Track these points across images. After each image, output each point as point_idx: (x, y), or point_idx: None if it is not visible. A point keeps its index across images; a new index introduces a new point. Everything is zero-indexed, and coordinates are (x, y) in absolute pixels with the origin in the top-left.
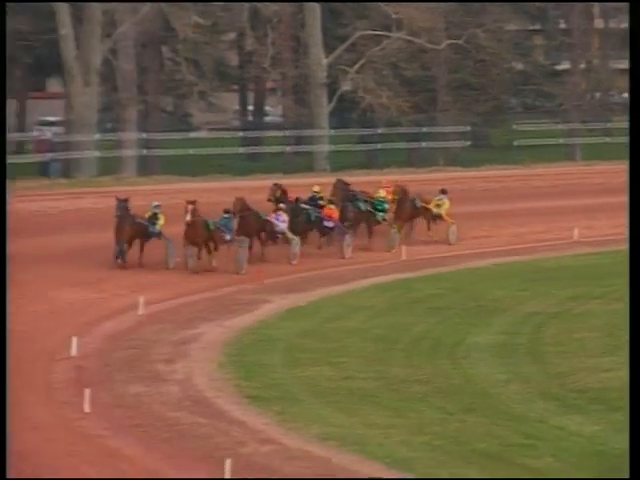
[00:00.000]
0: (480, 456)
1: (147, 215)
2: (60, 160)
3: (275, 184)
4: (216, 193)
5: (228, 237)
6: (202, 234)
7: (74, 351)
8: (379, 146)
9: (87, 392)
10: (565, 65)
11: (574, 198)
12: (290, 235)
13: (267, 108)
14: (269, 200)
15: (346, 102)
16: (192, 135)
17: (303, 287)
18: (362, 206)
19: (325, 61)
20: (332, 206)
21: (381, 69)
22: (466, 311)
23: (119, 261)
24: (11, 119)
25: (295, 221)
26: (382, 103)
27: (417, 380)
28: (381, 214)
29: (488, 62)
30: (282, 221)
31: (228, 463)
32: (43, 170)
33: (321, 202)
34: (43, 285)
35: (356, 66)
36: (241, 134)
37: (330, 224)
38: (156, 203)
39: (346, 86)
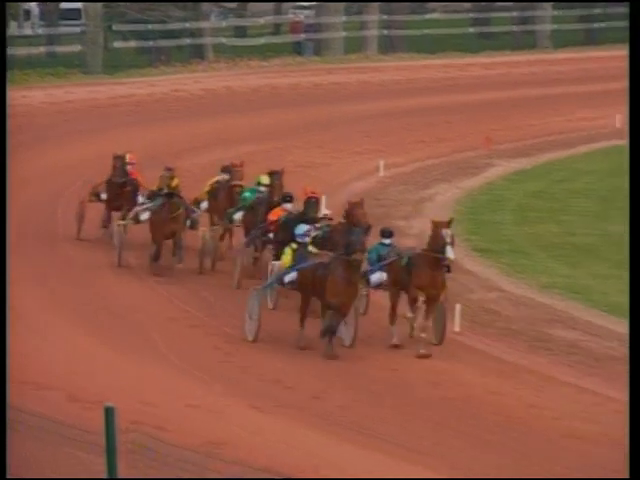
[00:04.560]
0: None
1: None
2: (312, 40)
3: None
4: (453, 68)
5: None
6: None
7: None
8: (595, 25)
9: None
10: None
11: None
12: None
13: None
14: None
15: None
16: (427, 17)
17: (529, 152)
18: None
19: None
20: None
21: None
22: None
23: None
24: (270, 4)
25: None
26: None
27: None
28: None
29: None
30: None
31: (458, 307)
32: (297, 49)
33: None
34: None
35: None
36: (472, 15)
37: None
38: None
39: None
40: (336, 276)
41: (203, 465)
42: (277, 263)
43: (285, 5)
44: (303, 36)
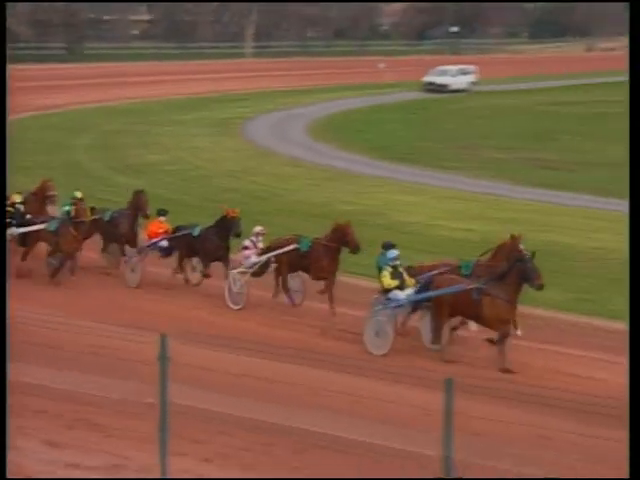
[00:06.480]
0: None
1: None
2: None
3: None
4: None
5: None
6: None
7: None
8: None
9: None
10: None
11: None
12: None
13: None
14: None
15: None
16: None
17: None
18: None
19: None
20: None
21: None
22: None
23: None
24: None
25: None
26: None
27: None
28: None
29: None
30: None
31: None
32: None
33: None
34: None
35: None
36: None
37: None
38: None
39: None
40: (499, 299)
41: None
42: (234, 272)
43: None
44: None
